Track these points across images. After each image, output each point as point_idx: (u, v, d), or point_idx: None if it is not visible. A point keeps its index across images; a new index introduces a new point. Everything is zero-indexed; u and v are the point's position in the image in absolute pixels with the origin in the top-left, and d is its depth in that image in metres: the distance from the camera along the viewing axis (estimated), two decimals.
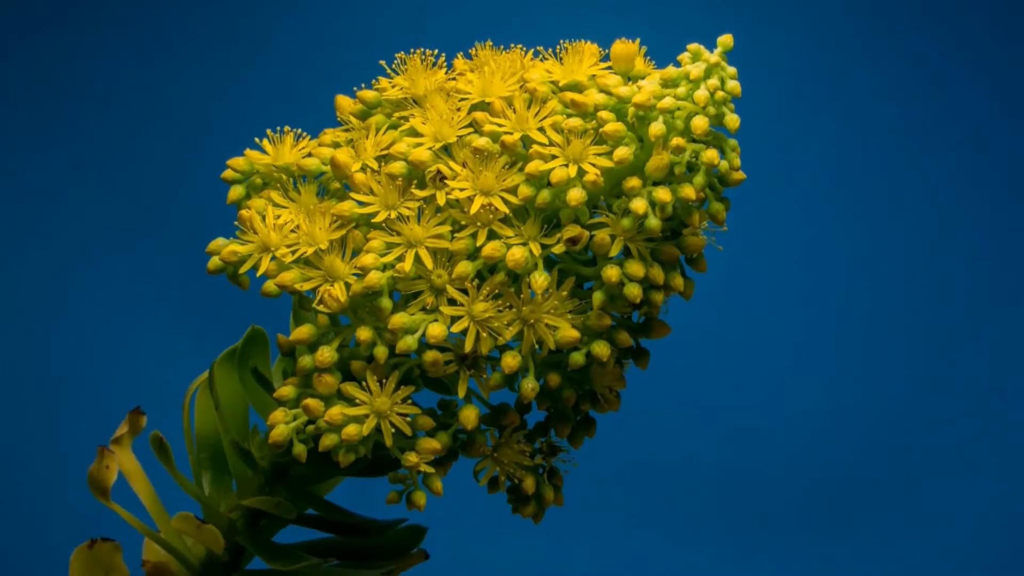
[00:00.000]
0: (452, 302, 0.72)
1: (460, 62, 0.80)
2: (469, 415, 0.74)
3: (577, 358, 0.74)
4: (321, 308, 0.73)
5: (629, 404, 0.81)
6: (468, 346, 0.72)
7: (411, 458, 0.74)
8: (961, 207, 1.62)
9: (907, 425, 1.58)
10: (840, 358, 1.60)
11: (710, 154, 0.73)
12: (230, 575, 0.85)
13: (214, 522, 0.84)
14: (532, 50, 0.80)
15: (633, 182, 0.72)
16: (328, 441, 0.73)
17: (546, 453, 0.80)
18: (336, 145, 0.79)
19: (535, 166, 0.72)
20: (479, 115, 0.75)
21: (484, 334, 0.72)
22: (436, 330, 0.72)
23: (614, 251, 0.73)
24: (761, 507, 1.56)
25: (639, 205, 0.72)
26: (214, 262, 0.77)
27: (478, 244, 0.72)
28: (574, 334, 0.73)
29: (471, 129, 0.75)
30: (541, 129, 0.73)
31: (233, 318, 0.90)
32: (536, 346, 0.73)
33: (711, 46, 0.75)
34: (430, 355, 0.72)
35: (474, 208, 0.72)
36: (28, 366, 1.52)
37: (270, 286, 0.75)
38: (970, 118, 1.62)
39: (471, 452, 0.77)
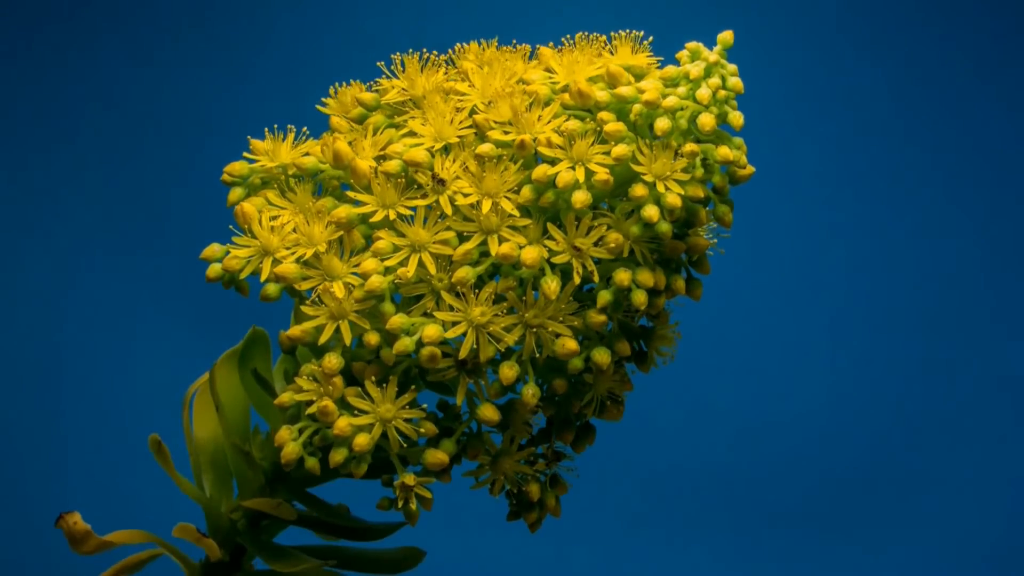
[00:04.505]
0: (450, 307, 0.72)
1: (465, 61, 0.80)
2: (490, 413, 0.74)
3: (576, 363, 0.74)
4: (317, 311, 0.73)
5: (630, 404, 0.81)
6: (464, 351, 0.72)
7: (408, 480, 0.74)
8: (960, 207, 1.62)
9: (907, 425, 1.58)
10: (840, 358, 1.60)
11: (723, 151, 0.72)
12: (231, 575, 0.85)
13: (215, 523, 0.84)
14: (549, 45, 0.79)
15: (639, 191, 0.71)
16: (338, 456, 0.73)
17: (549, 459, 0.80)
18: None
19: (542, 171, 0.72)
20: (480, 118, 0.75)
21: (484, 339, 0.72)
22: (432, 331, 0.71)
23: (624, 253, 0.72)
24: (762, 507, 1.56)
25: (652, 212, 0.71)
26: (214, 269, 0.77)
27: (492, 250, 0.72)
28: (574, 346, 0.72)
29: (472, 131, 0.75)
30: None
31: (234, 319, 0.90)
32: (536, 352, 0.73)
33: (709, 43, 0.75)
34: (427, 351, 0.71)
35: (485, 209, 0.72)
36: (29, 368, 1.52)
37: (270, 288, 0.75)
38: (969, 117, 1.62)
39: (471, 454, 0.77)
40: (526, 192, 0.72)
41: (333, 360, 0.73)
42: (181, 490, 0.83)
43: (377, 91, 0.81)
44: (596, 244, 0.72)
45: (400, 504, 0.74)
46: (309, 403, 0.73)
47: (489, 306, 0.72)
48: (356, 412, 0.73)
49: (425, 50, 0.80)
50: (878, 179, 1.62)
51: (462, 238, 0.73)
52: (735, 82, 0.74)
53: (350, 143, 0.78)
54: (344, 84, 0.82)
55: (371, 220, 0.73)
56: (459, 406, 0.75)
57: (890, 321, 1.60)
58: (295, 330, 0.74)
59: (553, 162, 0.72)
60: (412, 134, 0.76)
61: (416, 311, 0.73)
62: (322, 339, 0.73)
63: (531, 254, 0.71)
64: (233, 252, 0.76)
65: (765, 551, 1.55)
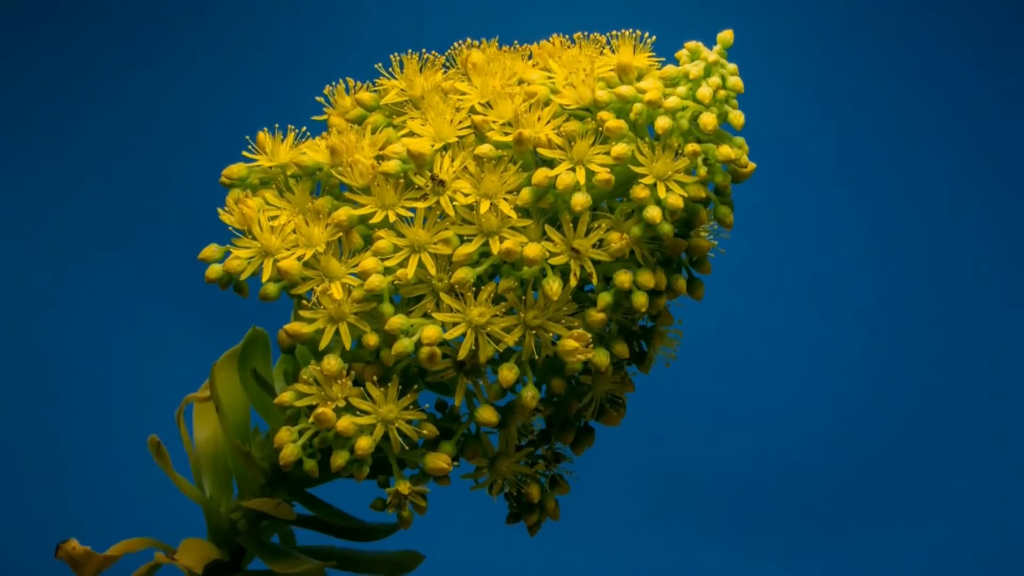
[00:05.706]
0: (450, 308, 0.72)
1: (468, 54, 0.79)
2: (489, 415, 0.74)
3: (575, 364, 0.73)
4: (313, 315, 0.73)
5: (631, 404, 0.81)
6: (463, 352, 0.72)
7: (402, 488, 0.74)
8: (963, 206, 1.62)
9: (910, 425, 1.58)
10: (842, 358, 1.59)
11: (724, 150, 0.72)
12: (231, 575, 0.85)
13: (215, 523, 0.84)
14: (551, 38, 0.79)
15: (641, 192, 0.71)
16: (339, 460, 0.72)
17: (549, 460, 0.80)
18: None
19: (542, 174, 0.72)
20: (478, 119, 0.74)
21: (483, 340, 0.72)
22: (431, 332, 0.71)
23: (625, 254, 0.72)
24: (762, 507, 1.56)
25: (655, 213, 0.71)
26: (214, 270, 0.76)
27: (493, 249, 0.71)
28: (575, 343, 0.72)
29: (471, 131, 0.75)
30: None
31: (234, 319, 0.90)
32: (535, 353, 0.73)
33: (709, 43, 0.74)
34: (425, 351, 0.71)
35: (483, 210, 0.72)
36: (27, 368, 1.52)
37: (269, 288, 0.75)
38: (972, 115, 1.62)
39: (469, 456, 0.76)
40: (525, 194, 0.72)
41: (332, 362, 0.73)
42: (181, 491, 0.83)
43: (376, 91, 0.80)
44: (597, 246, 0.72)
45: (392, 510, 0.74)
46: (310, 407, 0.73)
47: (488, 307, 0.72)
48: (358, 412, 0.73)
49: (424, 50, 0.80)
50: (879, 177, 1.62)
51: (462, 239, 0.72)
52: (735, 81, 0.73)
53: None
54: (341, 82, 0.82)
55: (370, 221, 0.73)
56: (458, 407, 0.75)
57: (893, 320, 1.60)
58: (294, 325, 0.73)
59: (553, 163, 0.72)
60: (412, 134, 0.76)
61: (416, 312, 0.72)
62: (322, 344, 0.72)
63: (534, 250, 0.71)
64: (234, 253, 0.76)
65: (765, 551, 1.55)
